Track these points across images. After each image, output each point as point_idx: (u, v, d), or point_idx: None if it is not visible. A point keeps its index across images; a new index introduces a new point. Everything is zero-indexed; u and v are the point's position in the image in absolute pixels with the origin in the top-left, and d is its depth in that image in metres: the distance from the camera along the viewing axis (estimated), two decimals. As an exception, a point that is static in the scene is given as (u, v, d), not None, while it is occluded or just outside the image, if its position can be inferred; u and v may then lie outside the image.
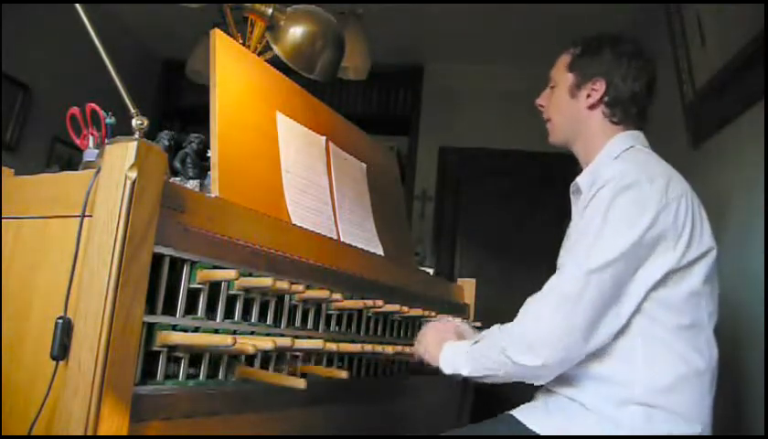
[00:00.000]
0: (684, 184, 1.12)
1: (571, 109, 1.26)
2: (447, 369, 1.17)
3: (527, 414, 1.14)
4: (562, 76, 1.28)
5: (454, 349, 1.17)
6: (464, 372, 1.13)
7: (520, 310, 1.10)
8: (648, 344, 1.06)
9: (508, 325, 1.10)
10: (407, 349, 1.36)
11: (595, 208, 1.06)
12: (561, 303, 1.03)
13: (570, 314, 1.02)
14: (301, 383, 0.95)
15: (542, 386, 1.18)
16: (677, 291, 1.06)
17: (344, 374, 1.08)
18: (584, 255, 1.04)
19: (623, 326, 1.05)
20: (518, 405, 1.19)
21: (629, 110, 1.22)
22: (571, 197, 1.29)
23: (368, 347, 1.19)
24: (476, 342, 1.14)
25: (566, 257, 1.13)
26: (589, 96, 1.23)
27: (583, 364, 1.07)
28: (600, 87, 1.22)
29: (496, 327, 1.13)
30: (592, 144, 1.24)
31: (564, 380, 1.10)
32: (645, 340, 1.06)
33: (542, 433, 1.08)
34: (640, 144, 1.22)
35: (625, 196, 1.04)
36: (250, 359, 0.99)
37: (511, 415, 1.15)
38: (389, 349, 1.26)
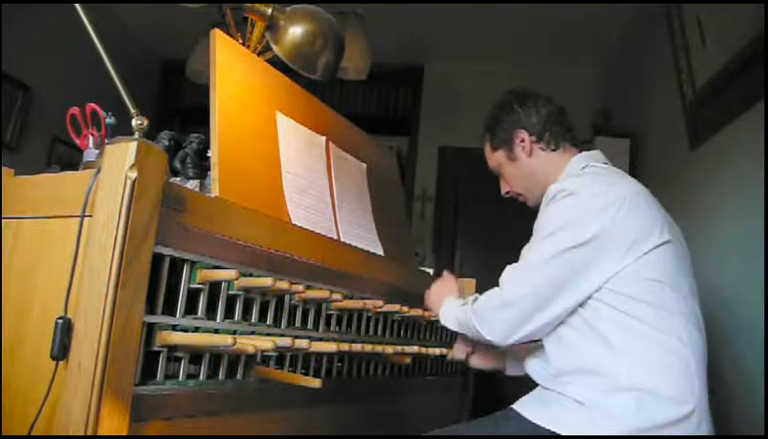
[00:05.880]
0: (629, 189, 1.19)
1: (522, 169, 1.38)
2: (442, 321, 1.38)
3: (526, 406, 1.18)
4: (496, 158, 1.43)
5: (449, 305, 1.38)
6: (450, 326, 1.35)
7: (483, 294, 1.25)
8: (621, 333, 1.12)
9: (478, 303, 1.25)
10: (406, 349, 1.37)
11: (543, 216, 1.21)
12: (504, 304, 1.18)
13: (512, 313, 1.17)
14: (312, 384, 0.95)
15: (538, 383, 1.24)
16: (635, 279, 1.12)
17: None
18: (528, 257, 1.20)
19: (593, 322, 1.13)
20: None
21: (555, 131, 1.35)
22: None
23: (368, 348, 1.20)
24: (464, 304, 1.31)
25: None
26: (522, 148, 1.36)
27: (567, 362, 1.15)
28: (521, 134, 1.36)
29: (473, 297, 1.29)
30: (552, 178, 1.33)
31: (554, 377, 1.18)
32: (616, 330, 1.12)
33: (539, 423, 1.13)
34: (595, 162, 1.31)
35: (565, 201, 1.17)
36: (250, 360, 0.99)
37: (511, 408, 1.20)
38: (389, 349, 1.26)
